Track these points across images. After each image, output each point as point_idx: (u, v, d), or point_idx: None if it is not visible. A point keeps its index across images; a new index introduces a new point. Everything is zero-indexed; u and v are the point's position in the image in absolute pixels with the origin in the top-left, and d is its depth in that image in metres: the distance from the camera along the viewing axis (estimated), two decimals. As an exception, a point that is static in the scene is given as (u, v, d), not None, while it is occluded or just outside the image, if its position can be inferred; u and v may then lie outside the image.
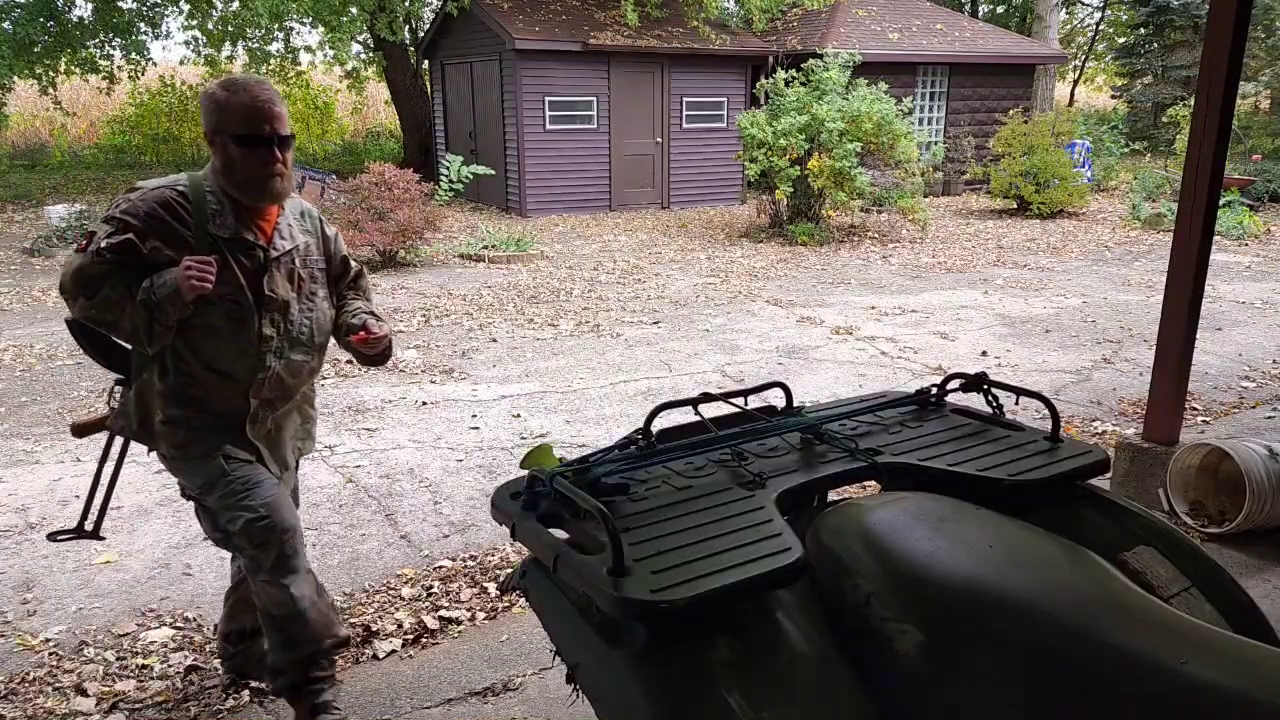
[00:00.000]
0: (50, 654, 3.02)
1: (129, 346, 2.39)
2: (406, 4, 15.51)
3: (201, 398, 2.37)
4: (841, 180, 11.23)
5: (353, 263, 2.70)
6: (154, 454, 2.46)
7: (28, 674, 2.90)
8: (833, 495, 1.89)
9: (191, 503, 2.54)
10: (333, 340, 2.60)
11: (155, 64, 15.47)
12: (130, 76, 15.41)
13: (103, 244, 2.20)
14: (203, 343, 2.32)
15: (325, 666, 2.51)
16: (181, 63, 17.15)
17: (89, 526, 2.59)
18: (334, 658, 2.55)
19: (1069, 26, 31.24)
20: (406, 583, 3.48)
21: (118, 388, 2.46)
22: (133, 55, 14.57)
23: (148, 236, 2.22)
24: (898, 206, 12.00)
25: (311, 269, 2.51)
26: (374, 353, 2.50)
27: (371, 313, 2.59)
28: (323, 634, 2.47)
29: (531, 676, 2.90)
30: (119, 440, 2.51)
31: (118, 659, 2.99)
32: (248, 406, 2.41)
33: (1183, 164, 3.92)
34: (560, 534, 1.53)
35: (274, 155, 2.27)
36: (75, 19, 14.21)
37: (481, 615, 3.26)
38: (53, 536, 2.56)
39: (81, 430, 2.51)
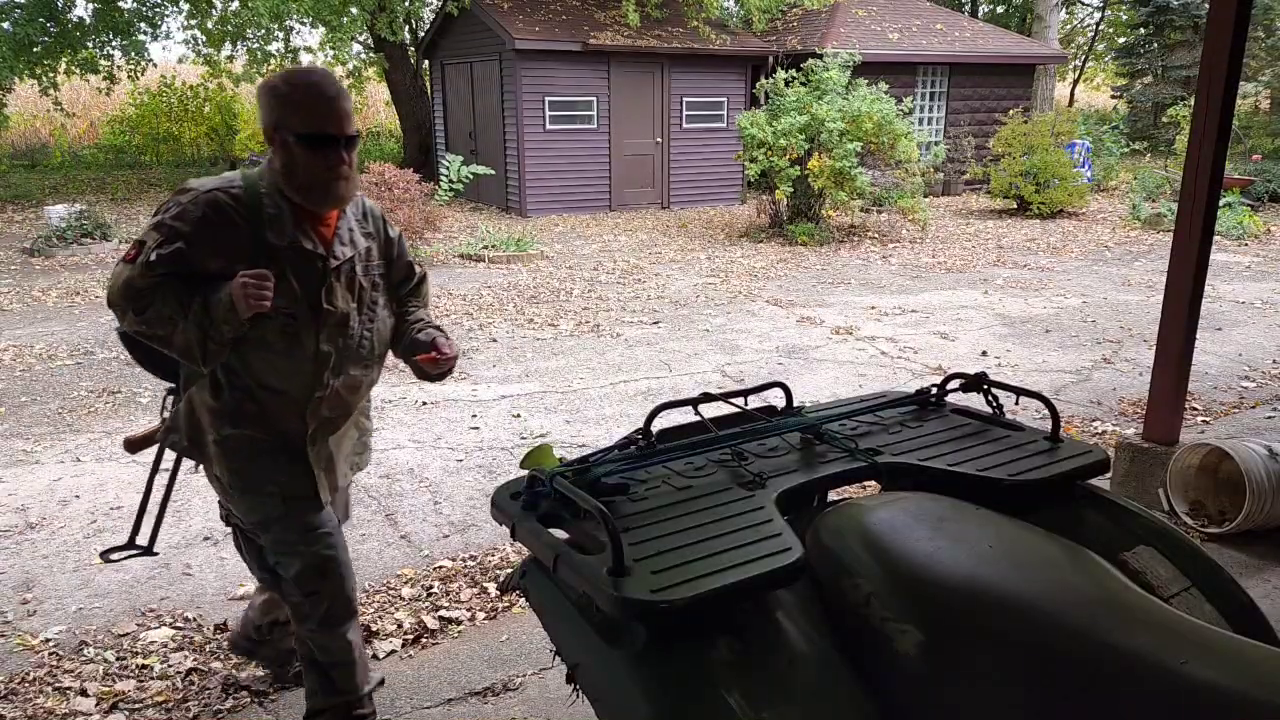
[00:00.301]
0: (50, 654, 3.01)
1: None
2: (407, 4, 15.51)
3: (256, 415, 2.18)
4: (842, 180, 11.23)
5: (417, 267, 2.48)
6: (202, 470, 2.33)
7: (28, 674, 2.90)
8: (833, 495, 1.89)
9: (229, 528, 2.39)
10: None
11: (155, 64, 15.47)
12: (130, 77, 15.41)
13: (152, 256, 2.02)
14: (255, 358, 2.14)
15: (366, 704, 2.43)
16: (180, 61, 17.15)
17: (142, 542, 2.45)
18: (373, 694, 2.48)
19: (1069, 26, 31.24)
20: (406, 583, 3.48)
21: (169, 398, 2.32)
22: (132, 56, 14.58)
23: (200, 245, 2.04)
24: (898, 206, 12.00)
25: (373, 276, 2.29)
26: (440, 373, 2.30)
27: (439, 328, 2.37)
28: (364, 679, 2.39)
29: (531, 676, 2.90)
30: (170, 452, 2.39)
31: (118, 659, 2.99)
32: (305, 427, 2.22)
33: (1183, 164, 3.92)
34: (560, 534, 1.53)
35: (340, 157, 2.07)
36: (75, 19, 14.21)
37: (481, 615, 3.26)
38: (106, 555, 2.44)
39: (134, 445, 2.38)
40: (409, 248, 2.47)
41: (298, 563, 2.23)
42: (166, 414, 2.31)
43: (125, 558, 2.43)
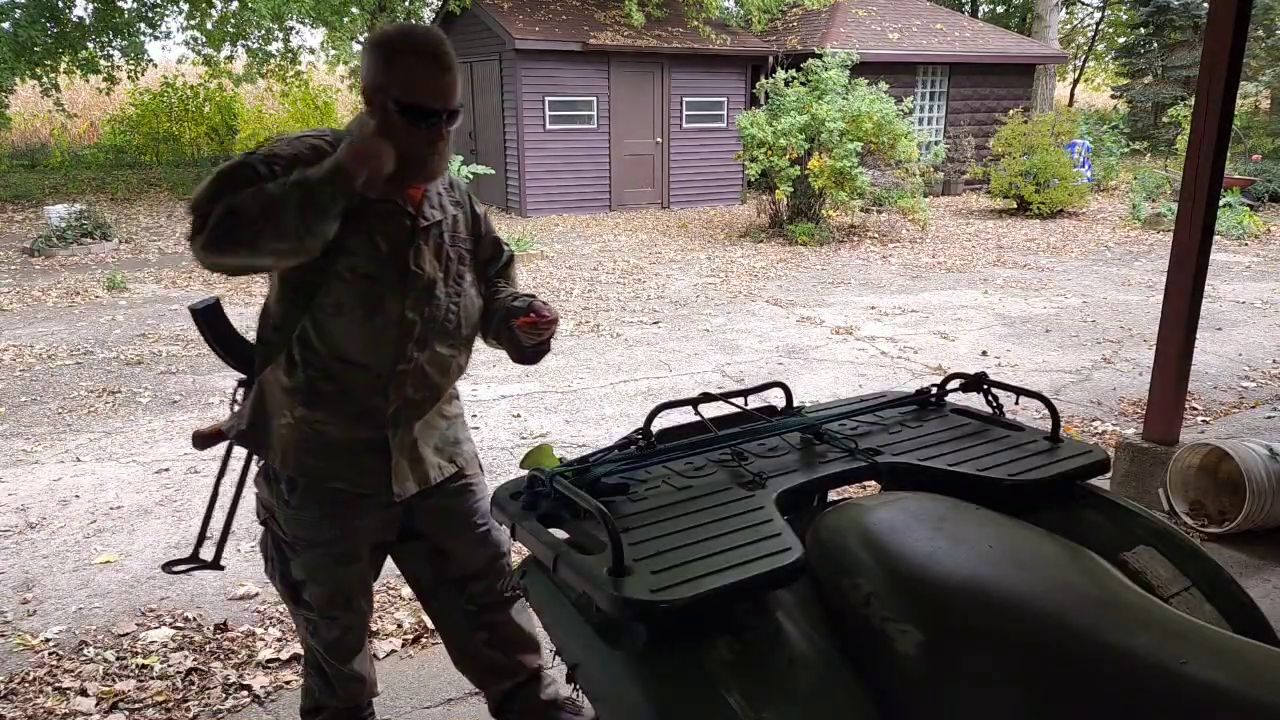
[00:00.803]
0: (50, 654, 3.01)
1: (256, 344, 2.03)
2: (407, 4, 15.51)
3: (333, 396, 1.96)
4: (842, 180, 11.23)
5: (505, 246, 2.30)
6: (253, 464, 2.14)
7: (28, 674, 2.90)
8: (833, 495, 1.89)
9: (261, 526, 2.17)
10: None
11: (155, 65, 15.48)
12: (130, 77, 15.42)
13: (259, 156, 1.82)
14: (333, 326, 1.92)
15: (367, 709, 2.34)
16: (180, 62, 17.16)
17: (206, 555, 2.29)
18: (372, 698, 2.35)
19: (1069, 26, 31.25)
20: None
21: (239, 390, 2.12)
22: (132, 56, 14.58)
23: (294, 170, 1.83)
24: (898, 206, 12.00)
25: (460, 248, 2.10)
26: (540, 339, 2.08)
27: (533, 296, 2.15)
28: (370, 690, 2.29)
29: (531, 676, 2.90)
30: (238, 455, 2.21)
31: (118, 659, 2.99)
32: (386, 405, 2.00)
33: (1183, 164, 3.92)
34: (560, 534, 1.53)
35: (441, 133, 1.89)
36: (75, 19, 14.22)
37: (481, 615, 3.26)
38: (169, 568, 2.29)
39: (202, 440, 2.18)
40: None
41: (326, 589, 2.08)
42: (237, 407, 2.11)
43: (188, 570, 2.28)
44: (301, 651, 2.36)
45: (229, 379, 6.01)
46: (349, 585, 2.12)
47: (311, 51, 17.88)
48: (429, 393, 2.07)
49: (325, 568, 2.07)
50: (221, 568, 2.33)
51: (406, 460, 2.06)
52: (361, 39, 17.36)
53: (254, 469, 2.15)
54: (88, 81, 15.68)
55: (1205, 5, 13.20)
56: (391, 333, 1.95)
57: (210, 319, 2.06)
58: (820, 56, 12.39)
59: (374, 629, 3.14)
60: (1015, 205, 14.39)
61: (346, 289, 1.90)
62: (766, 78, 12.60)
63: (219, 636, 3.11)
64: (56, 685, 2.84)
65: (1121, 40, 28.79)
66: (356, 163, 1.74)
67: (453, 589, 2.26)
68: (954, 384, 2.03)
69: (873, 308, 8.29)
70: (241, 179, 1.75)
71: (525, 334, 2.05)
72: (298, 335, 1.93)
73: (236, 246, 1.71)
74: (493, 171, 12.04)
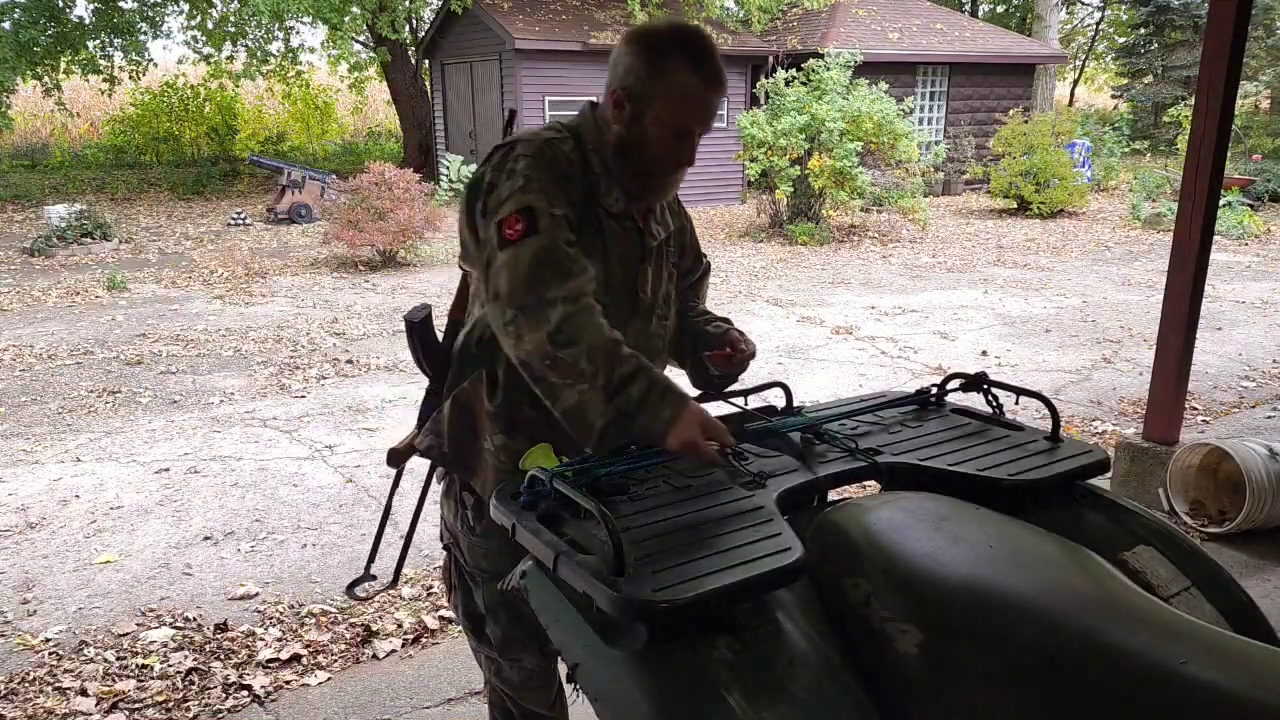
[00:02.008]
0: (50, 654, 3.01)
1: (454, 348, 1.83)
2: (408, 3, 15.52)
3: (535, 422, 1.73)
4: (842, 180, 11.23)
5: (704, 257, 2.08)
6: (447, 486, 1.93)
7: (28, 674, 2.90)
8: (833, 495, 1.89)
9: (444, 550, 2.00)
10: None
11: (155, 64, 15.47)
12: (131, 77, 15.42)
13: (556, 210, 1.59)
14: None
15: None
16: (180, 62, 17.16)
17: (378, 573, 2.16)
18: None
19: (1069, 26, 31.24)
20: (407, 582, 3.48)
21: (427, 400, 1.91)
22: (132, 56, 14.58)
23: (557, 205, 1.62)
24: (898, 206, 12.01)
25: (673, 266, 1.91)
26: (732, 373, 1.87)
27: (727, 320, 1.95)
28: None
29: (531, 676, 2.90)
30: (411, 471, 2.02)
31: (118, 659, 2.99)
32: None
33: (1183, 164, 3.92)
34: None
35: (694, 154, 1.73)
36: (75, 19, 14.22)
37: (481, 615, 3.26)
38: (350, 591, 2.17)
39: (398, 457, 1.98)
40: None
41: (505, 629, 1.89)
42: (432, 422, 1.88)
43: (370, 595, 2.13)
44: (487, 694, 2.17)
45: (229, 379, 6.03)
46: (532, 626, 1.73)
47: (311, 51, 17.90)
48: None
49: (506, 605, 1.85)
50: (396, 586, 2.20)
51: None
52: (361, 39, 17.37)
53: (435, 487, 2.00)
54: (88, 81, 15.68)
55: (1205, 5, 13.20)
56: None
57: (423, 331, 1.90)
58: (820, 56, 12.39)
59: (374, 629, 3.14)
60: (1015, 205, 14.39)
61: None
62: (767, 78, 12.60)
63: (219, 636, 3.11)
64: (56, 685, 2.84)
65: (1121, 40, 28.78)
66: (683, 447, 1.52)
67: None
68: (954, 384, 2.03)
69: (873, 307, 8.29)
70: (561, 263, 1.56)
71: (717, 366, 1.87)
72: (504, 357, 1.70)
73: (546, 372, 1.55)
74: (493, 171, 12.04)
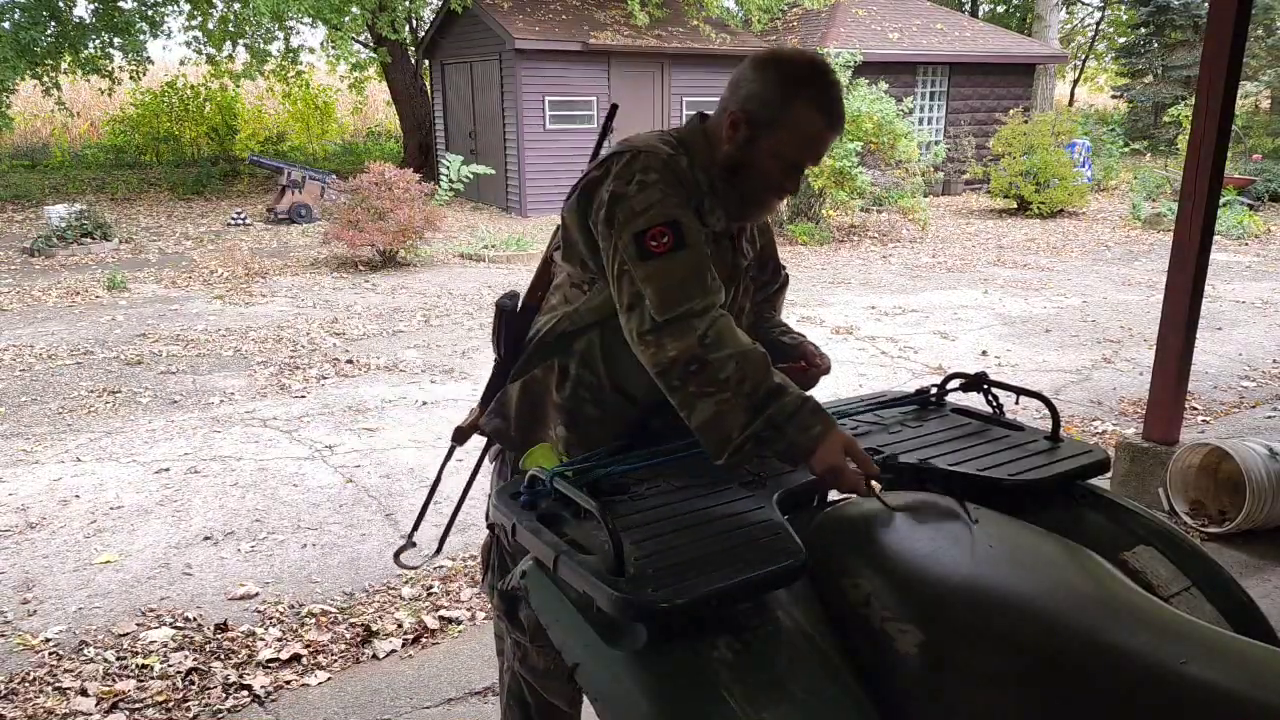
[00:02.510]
0: (50, 654, 3.01)
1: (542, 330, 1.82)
2: (407, 3, 15.52)
3: (594, 420, 1.78)
4: (842, 180, 11.23)
5: (783, 269, 2.09)
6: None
7: (28, 674, 2.90)
8: (833, 495, 1.89)
9: (489, 529, 2.03)
10: None
11: (153, 62, 15.47)
12: (131, 77, 15.41)
13: (696, 225, 1.62)
14: (625, 353, 1.68)
15: None
16: (182, 64, 17.16)
17: (417, 542, 2.19)
18: None
19: (1069, 26, 31.24)
20: (407, 582, 3.49)
21: (492, 384, 1.94)
22: (132, 56, 14.58)
23: (689, 211, 1.65)
24: (898, 206, 12.01)
25: (750, 280, 1.92)
26: (805, 386, 1.81)
27: (802, 335, 1.99)
28: None
29: (531, 676, 2.90)
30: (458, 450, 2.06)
31: (118, 659, 2.99)
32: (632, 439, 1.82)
33: (1183, 164, 3.92)
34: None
35: (799, 186, 1.74)
36: (76, 19, 14.22)
37: (481, 615, 3.26)
38: (397, 558, 2.21)
39: (462, 434, 2.04)
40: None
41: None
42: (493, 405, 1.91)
43: (416, 566, 2.16)
44: (502, 685, 2.15)
45: (229, 379, 6.03)
46: None
47: (311, 51, 17.90)
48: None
49: None
50: (439, 554, 2.29)
51: None
52: (361, 38, 17.37)
53: (488, 465, 2.03)
54: (88, 81, 15.67)
55: (1205, 5, 13.21)
56: None
57: (511, 318, 1.90)
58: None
59: (374, 629, 3.14)
60: (1015, 205, 14.39)
61: None
62: (766, 77, 12.59)
63: (219, 636, 3.11)
64: (56, 685, 2.84)
65: (1121, 40, 28.78)
66: (827, 470, 1.51)
67: None
68: (954, 384, 2.03)
69: (873, 307, 8.29)
70: (707, 277, 1.59)
71: (790, 379, 1.80)
72: (581, 349, 1.77)
73: (687, 379, 1.55)
74: (493, 171, 12.06)
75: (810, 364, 1.87)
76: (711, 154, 1.71)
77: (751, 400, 1.51)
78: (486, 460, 2.02)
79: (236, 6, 14.86)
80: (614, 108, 2.03)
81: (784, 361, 1.87)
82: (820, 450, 1.50)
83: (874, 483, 1.51)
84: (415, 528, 2.19)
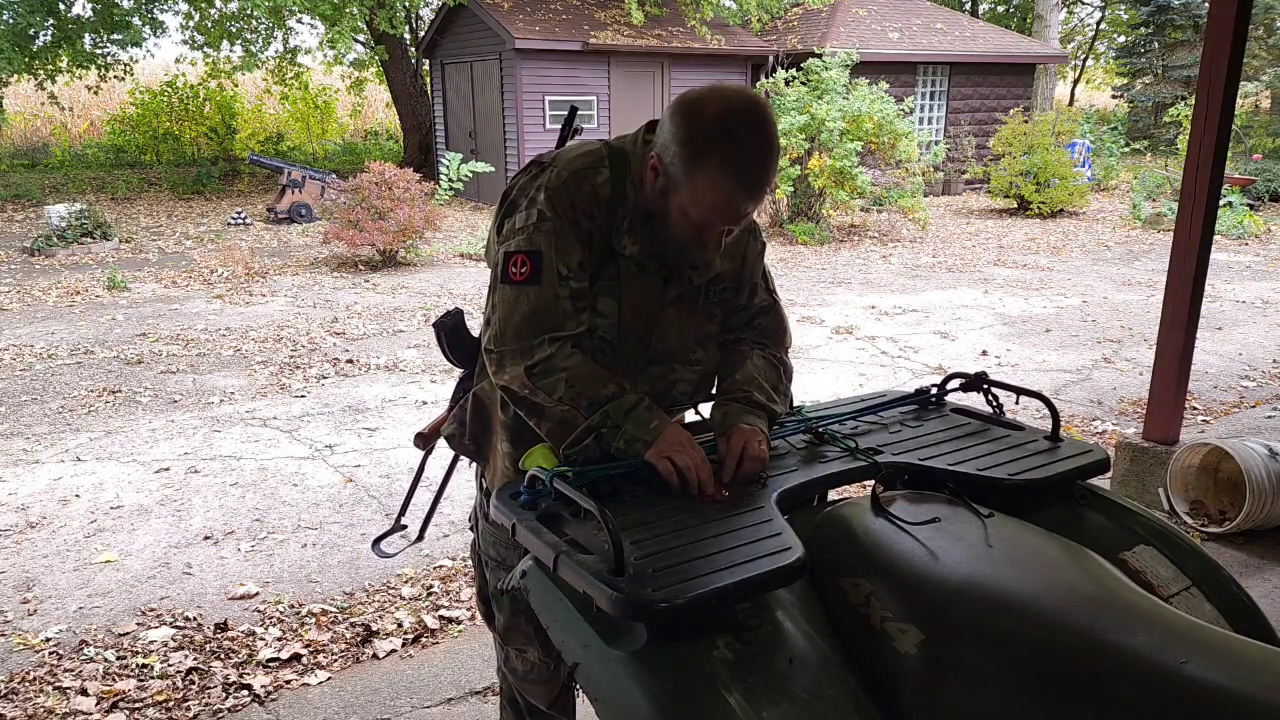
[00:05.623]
0: (50, 653, 3.01)
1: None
2: (406, 1, 15.51)
3: (534, 440, 1.72)
4: (842, 180, 11.23)
5: (761, 294, 1.85)
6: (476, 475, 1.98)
7: (28, 673, 2.90)
8: (833, 495, 1.89)
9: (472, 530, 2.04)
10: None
11: (153, 55, 15.49)
12: (128, 72, 15.41)
13: (562, 269, 1.58)
14: None
15: None
16: (178, 62, 17.17)
17: (405, 524, 2.20)
18: None
19: (1069, 26, 31.23)
20: (406, 582, 3.49)
21: (459, 387, 1.97)
22: (131, 56, 14.58)
23: (569, 246, 1.61)
24: (898, 206, 12.01)
25: (715, 306, 1.78)
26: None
27: (758, 415, 1.70)
28: None
29: (531, 676, 2.90)
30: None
31: (118, 659, 2.99)
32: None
33: (1183, 164, 3.92)
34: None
35: (719, 243, 1.60)
36: (74, 16, 14.21)
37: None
38: (376, 546, 2.17)
39: (423, 440, 2.05)
40: (762, 264, 1.87)
41: (507, 620, 1.92)
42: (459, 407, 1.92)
43: (397, 551, 2.18)
44: (499, 683, 2.18)
45: (229, 379, 6.03)
46: (535, 620, 1.69)
47: (308, 52, 17.91)
48: None
49: (511, 594, 1.84)
50: (421, 540, 2.31)
51: None
52: (360, 38, 17.35)
53: (467, 466, 2.06)
54: (80, 79, 15.66)
55: (1205, 5, 13.21)
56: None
57: (451, 334, 1.90)
58: (820, 56, 12.39)
59: (374, 629, 3.14)
60: (1015, 205, 14.39)
61: (583, 345, 1.65)
62: (766, 77, 12.60)
63: (219, 636, 3.11)
64: (56, 685, 2.84)
65: (1122, 40, 28.78)
66: (657, 460, 1.53)
67: None
68: (954, 383, 2.03)
69: (873, 307, 8.29)
70: (556, 318, 1.58)
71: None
72: None
73: (527, 394, 1.60)
74: (492, 169, 12.06)
75: (725, 463, 1.60)
76: (642, 174, 1.62)
77: (590, 408, 1.58)
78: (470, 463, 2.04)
79: (234, 6, 14.86)
80: (573, 110, 2.03)
81: (707, 434, 1.70)
82: (656, 445, 1.55)
83: (874, 483, 1.51)
84: (403, 511, 2.23)
